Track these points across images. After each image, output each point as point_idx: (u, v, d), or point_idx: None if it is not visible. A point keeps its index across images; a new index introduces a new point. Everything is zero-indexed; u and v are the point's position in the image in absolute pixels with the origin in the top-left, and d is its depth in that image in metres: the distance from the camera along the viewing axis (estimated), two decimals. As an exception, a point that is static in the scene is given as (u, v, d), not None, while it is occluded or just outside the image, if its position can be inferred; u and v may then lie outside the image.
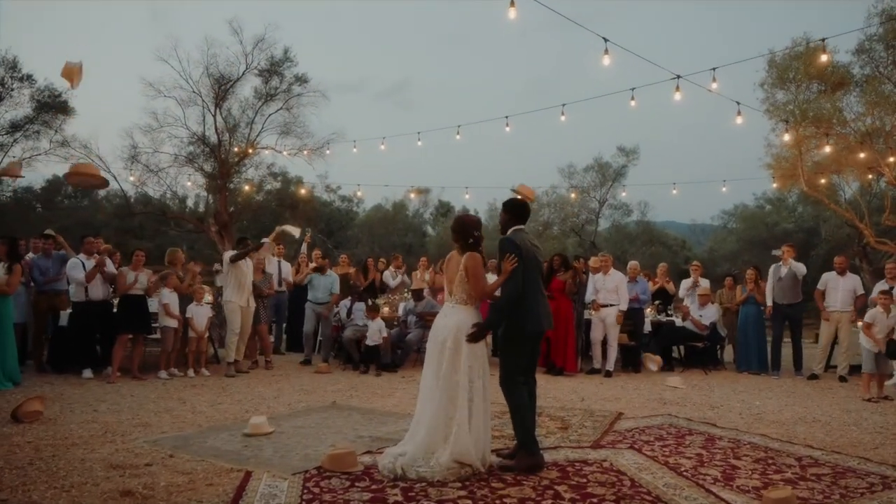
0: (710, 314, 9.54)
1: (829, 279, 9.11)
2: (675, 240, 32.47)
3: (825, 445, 4.99)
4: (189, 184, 17.68)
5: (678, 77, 9.40)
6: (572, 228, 23.32)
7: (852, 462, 4.50)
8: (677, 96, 9.63)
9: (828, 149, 10.83)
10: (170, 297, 7.92)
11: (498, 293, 4.40)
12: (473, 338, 4.08)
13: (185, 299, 8.21)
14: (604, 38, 7.25)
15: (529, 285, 4.21)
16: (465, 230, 4.36)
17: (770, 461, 4.48)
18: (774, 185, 14.54)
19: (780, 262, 9.28)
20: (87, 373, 7.59)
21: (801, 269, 9.11)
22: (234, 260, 8.11)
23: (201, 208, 21.67)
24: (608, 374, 8.79)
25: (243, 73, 16.98)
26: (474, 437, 3.99)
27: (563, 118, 10.62)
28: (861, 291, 9.01)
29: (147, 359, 8.25)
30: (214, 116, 17.17)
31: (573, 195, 23.28)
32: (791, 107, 11.52)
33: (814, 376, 8.91)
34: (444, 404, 4.01)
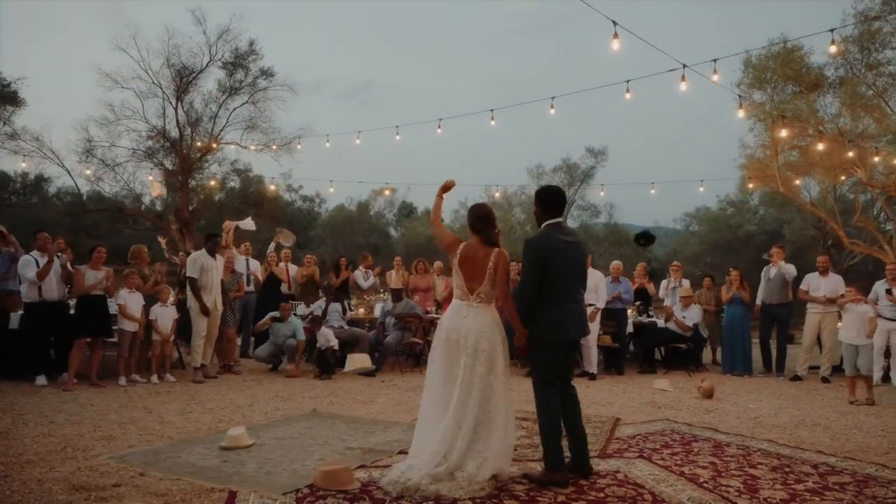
0: (693, 315, 9.39)
1: (811, 279, 9.05)
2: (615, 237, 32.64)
3: (835, 451, 4.80)
4: (150, 178, 16.91)
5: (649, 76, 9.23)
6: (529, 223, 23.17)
7: (870, 469, 4.30)
8: (643, 98, 9.62)
9: (807, 148, 10.85)
10: (127, 298, 7.36)
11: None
12: (521, 351, 3.98)
13: (149, 300, 7.67)
14: (613, 21, 6.87)
15: (551, 290, 3.85)
16: (490, 221, 4.03)
17: (787, 469, 4.25)
18: (750, 186, 14.58)
19: (770, 264, 9.21)
20: (41, 380, 7.00)
21: (790, 270, 9.04)
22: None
23: (158, 206, 20.85)
24: (592, 377, 8.54)
25: (207, 65, 16.32)
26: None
27: (550, 112, 10.33)
28: (842, 291, 8.94)
29: (106, 364, 7.67)
30: (176, 110, 16.47)
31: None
32: (768, 107, 11.50)
33: (797, 377, 8.81)
34: (476, 413, 3.69)
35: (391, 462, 4.15)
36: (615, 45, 7.76)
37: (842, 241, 14.33)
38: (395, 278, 11.15)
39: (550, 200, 4.08)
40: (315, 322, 8.27)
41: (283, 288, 10.28)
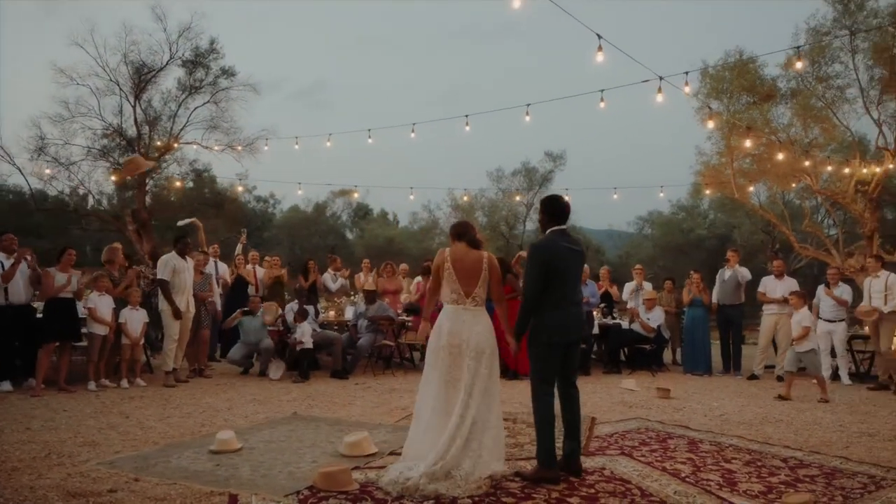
0: (656, 317, 9.70)
1: (767, 282, 9.47)
2: (589, 244, 33.30)
3: (800, 446, 5.08)
4: (112, 179, 16.41)
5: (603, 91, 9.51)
6: (500, 232, 23.45)
7: (835, 462, 4.57)
8: (602, 105, 9.93)
9: (760, 156, 11.32)
10: (97, 301, 7.22)
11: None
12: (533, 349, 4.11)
13: (119, 303, 7.53)
14: (599, 35, 7.01)
15: (555, 292, 4.01)
16: (468, 226, 4.25)
17: (759, 463, 4.49)
18: (707, 192, 15.09)
19: (725, 266, 9.61)
20: (6, 385, 6.82)
21: (745, 274, 9.46)
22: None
23: (104, 204, 20.24)
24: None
25: (167, 63, 15.98)
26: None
27: (525, 118, 10.50)
28: (797, 295, 9.38)
29: (73, 368, 7.50)
30: (134, 108, 16.06)
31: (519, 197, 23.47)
32: (725, 117, 11.95)
33: (754, 376, 9.21)
34: (475, 413, 3.82)
35: (384, 463, 4.23)
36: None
37: (791, 245, 14.97)
38: (363, 280, 11.19)
39: (555, 209, 4.26)
40: (302, 314, 8.27)
41: (251, 290, 10.21)
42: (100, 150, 17.06)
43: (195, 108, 16.55)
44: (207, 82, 17.00)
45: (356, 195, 27.65)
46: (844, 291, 9.05)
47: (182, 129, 16.47)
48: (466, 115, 10.60)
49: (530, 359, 4.22)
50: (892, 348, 8.20)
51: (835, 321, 8.91)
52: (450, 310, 4.13)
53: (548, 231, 4.22)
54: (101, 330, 7.17)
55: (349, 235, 37.36)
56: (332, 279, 10.90)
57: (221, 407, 6.28)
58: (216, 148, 16.18)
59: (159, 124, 16.52)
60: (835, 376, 8.99)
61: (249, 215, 27.39)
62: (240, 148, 15.80)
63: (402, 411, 6.24)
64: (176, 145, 16.36)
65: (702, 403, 7.06)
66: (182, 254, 7.70)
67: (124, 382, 7.34)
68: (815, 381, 7.64)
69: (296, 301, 8.93)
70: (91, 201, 17.13)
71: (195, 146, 16.58)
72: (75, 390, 6.94)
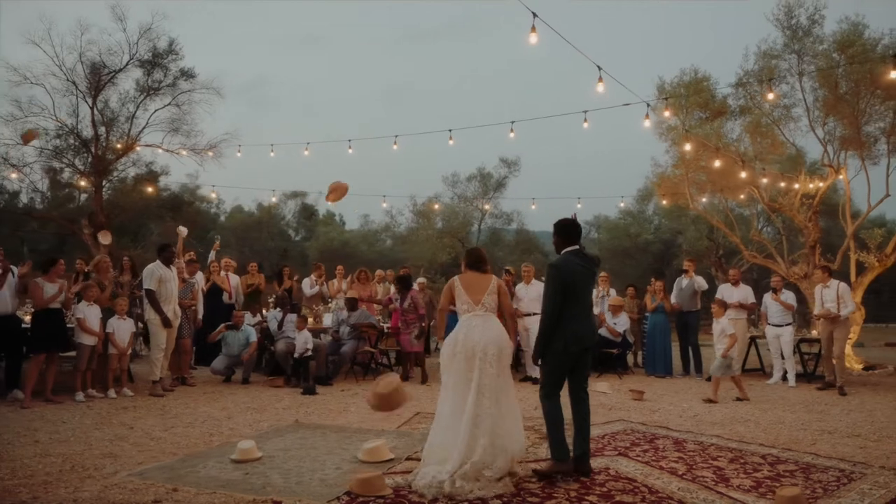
0: (622, 322, 10.22)
1: (724, 290, 10.10)
2: (538, 247, 34.12)
3: (773, 443, 5.57)
4: (81, 184, 15.91)
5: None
6: (456, 236, 23.80)
7: (807, 458, 5.06)
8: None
9: (712, 168, 11.99)
10: (86, 311, 7.19)
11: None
12: (534, 359, 4.53)
13: (105, 313, 7.50)
14: (533, 14, 7.11)
15: (572, 306, 4.38)
16: (483, 261, 4.67)
17: (742, 460, 4.93)
18: (664, 203, 15.80)
19: (684, 274, 10.22)
20: (-9, 397, 6.73)
21: (702, 283, 10.08)
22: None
23: (38, 202, 19.55)
24: (535, 381, 9.12)
25: (127, 64, 15.64)
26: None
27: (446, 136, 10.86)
28: (752, 300, 10.08)
29: (57, 378, 7.40)
30: (93, 109, 15.65)
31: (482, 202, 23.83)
32: (681, 130, 12.60)
33: (710, 378, 9.79)
34: (492, 413, 4.18)
35: (405, 468, 4.48)
36: (532, 39, 7.34)
37: (735, 251, 15.77)
38: (337, 287, 11.34)
39: (568, 231, 4.67)
40: (303, 321, 8.46)
41: (224, 297, 10.23)
42: (51, 151, 16.59)
43: (156, 111, 16.28)
44: (166, 84, 16.73)
45: (333, 204, 27.52)
46: (789, 297, 9.75)
47: (141, 132, 16.17)
48: (450, 130, 10.77)
49: (543, 364, 4.58)
50: (845, 352, 8.91)
51: (782, 325, 9.58)
52: (463, 319, 4.50)
53: (563, 251, 4.60)
54: (89, 340, 7.14)
55: (295, 237, 37.06)
56: (309, 285, 11.00)
57: (220, 416, 6.38)
58: (184, 152, 15.94)
59: (116, 125, 16.17)
60: (784, 377, 9.66)
61: (205, 218, 26.92)
62: (211, 153, 15.60)
63: (398, 418, 6.48)
64: (138, 147, 16.05)
65: (673, 405, 7.55)
66: (167, 263, 7.72)
67: (111, 392, 7.32)
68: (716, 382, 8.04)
69: (278, 309, 9.02)
70: (42, 203, 16.59)
71: (154, 149, 16.30)
72: (62, 401, 6.90)
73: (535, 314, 9.25)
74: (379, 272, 11.86)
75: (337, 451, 5.02)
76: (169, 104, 16.23)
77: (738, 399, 7.81)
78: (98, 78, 15.39)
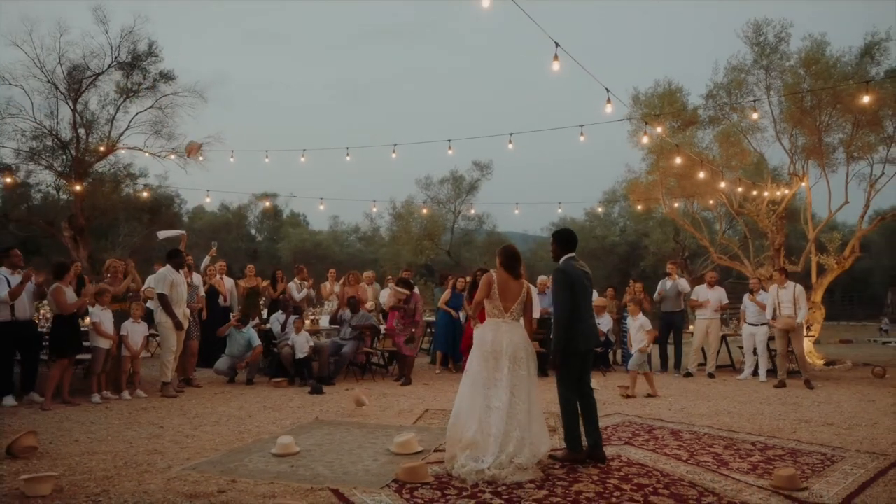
0: (605, 322, 10.77)
1: (700, 291, 10.75)
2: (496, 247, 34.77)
3: (759, 432, 6.12)
4: (67, 190, 15.74)
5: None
6: (430, 237, 24.20)
7: (791, 444, 5.62)
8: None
9: (682, 174, 12.68)
10: (101, 316, 7.38)
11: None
12: (554, 364, 4.94)
13: (119, 316, 7.69)
14: (556, 43, 7.54)
15: (576, 309, 4.84)
16: (517, 260, 4.95)
17: (736, 447, 5.46)
18: (639, 207, 16.48)
19: (667, 277, 10.82)
20: (9, 400, 6.87)
21: (684, 285, 10.71)
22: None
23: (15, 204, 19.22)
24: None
25: (109, 67, 15.60)
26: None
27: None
28: (726, 301, 10.75)
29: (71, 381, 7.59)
30: (74, 111, 15.57)
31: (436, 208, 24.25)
32: (658, 138, 13.26)
33: (689, 374, 10.43)
34: (524, 409, 4.59)
35: (435, 458, 4.87)
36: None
37: (699, 253, 16.61)
38: (329, 289, 11.65)
39: (567, 239, 5.14)
40: (300, 322, 8.78)
41: (220, 300, 10.44)
42: (27, 152, 16.43)
43: (137, 113, 16.26)
44: (146, 86, 16.72)
45: (270, 202, 27.64)
46: (766, 298, 10.43)
47: (122, 134, 16.13)
48: (449, 140, 11.19)
49: (561, 364, 5.03)
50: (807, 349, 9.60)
51: (757, 324, 10.26)
52: (491, 323, 4.90)
53: (563, 258, 5.06)
54: (104, 343, 7.34)
55: (258, 238, 37.02)
56: (296, 289, 11.27)
57: (241, 415, 6.66)
58: (172, 157, 15.96)
59: (97, 128, 16.10)
60: (754, 373, 10.33)
61: (211, 223, 26.72)
62: (202, 158, 15.63)
63: (410, 414, 6.86)
64: (123, 150, 16.01)
65: (660, 399, 8.09)
66: (178, 267, 7.94)
67: (125, 394, 7.52)
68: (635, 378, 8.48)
69: (281, 312, 9.29)
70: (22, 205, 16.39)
71: (132, 151, 16.27)
72: (79, 403, 7.09)
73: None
74: (367, 274, 12.20)
75: (367, 445, 5.38)
76: (151, 107, 16.24)
77: (649, 395, 8.20)
78: (80, 80, 15.32)
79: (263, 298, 11.32)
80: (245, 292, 10.65)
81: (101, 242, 18.77)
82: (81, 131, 15.87)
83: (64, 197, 16.63)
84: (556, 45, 7.33)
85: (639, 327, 8.65)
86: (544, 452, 4.69)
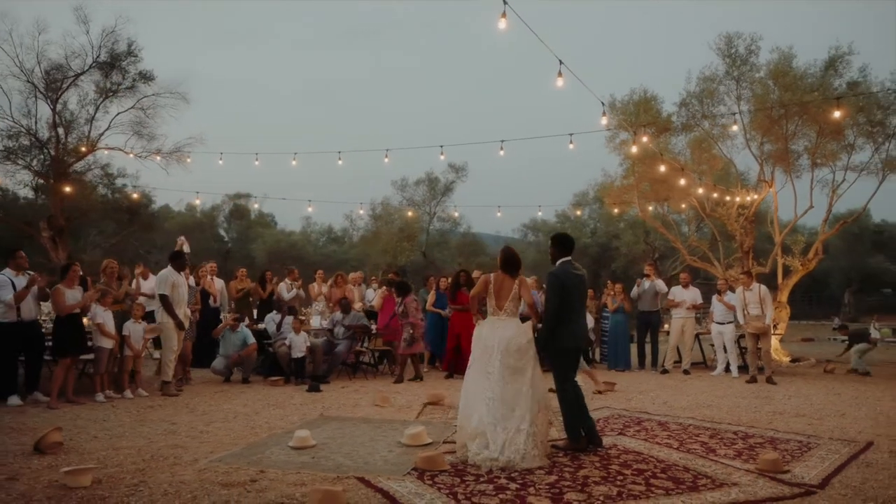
0: (587, 321, 11.19)
1: (676, 291, 11.27)
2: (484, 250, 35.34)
3: (738, 422, 6.57)
4: (46, 190, 15.55)
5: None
6: (409, 239, 24.49)
7: (770, 433, 6.07)
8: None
9: (656, 179, 13.22)
10: (104, 316, 7.52)
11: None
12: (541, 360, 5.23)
13: (119, 317, 7.83)
14: (560, 61, 7.89)
15: (569, 309, 5.23)
16: (514, 262, 5.31)
17: (720, 437, 5.89)
18: (615, 211, 17.01)
19: (645, 278, 11.32)
20: (14, 399, 6.97)
21: (661, 286, 11.23)
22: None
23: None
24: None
25: (90, 67, 15.51)
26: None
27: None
28: (700, 301, 11.28)
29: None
30: (54, 110, 15.44)
31: (410, 211, 24.52)
32: (634, 144, 13.78)
33: (665, 371, 10.93)
34: (529, 397, 4.91)
35: (446, 449, 5.18)
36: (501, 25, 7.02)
37: (669, 254, 17.24)
38: (317, 290, 11.87)
39: (564, 243, 5.54)
40: (298, 323, 8.98)
41: (210, 301, 10.59)
42: (2, 152, 16.24)
43: (118, 113, 16.19)
44: (125, 86, 16.66)
45: (244, 202, 27.63)
46: (732, 299, 10.98)
47: (102, 135, 16.06)
48: (442, 147, 11.48)
49: (554, 360, 5.40)
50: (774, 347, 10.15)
51: (724, 323, 10.80)
52: (488, 320, 5.31)
53: (559, 262, 5.44)
54: (107, 343, 7.48)
55: (225, 239, 36.83)
56: (286, 289, 11.47)
57: (247, 412, 6.88)
58: (157, 158, 15.92)
59: (76, 128, 16.00)
60: (727, 369, 10.87)
61: (163, 222, 26.52)
62: (188, 161, 15.65)
63: (409, 409, 7.16)
64: (107, 151, 15.91)
65: (643, 394, 8.54)
66: (179, 269, 8.11)
67: (127, 393, 7.66)
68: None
69: (276, 312, 9.50)
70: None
71: (114, 151, 16.20)
72: (84, 401, 7.22)
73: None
74: (353, 275, 12.46)
75: (378, 438, 5.67)
76: (133, 107, 16.19)
77: (597, 392, 8.50)
78: (60, 80, 15.22)
79: (251, 298, 11.49)
80: (239, 294, 10.80)
81: (80, 243, 18.60)
82: (60, 131, 15.76)
83: (40, 197, 16.45)
84: (560, 62, 7.69)
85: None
86: (543, 441, 5.02)
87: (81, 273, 8.09)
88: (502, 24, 6.92)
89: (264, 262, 25.11)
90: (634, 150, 12.57)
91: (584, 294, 5.63)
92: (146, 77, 17.07)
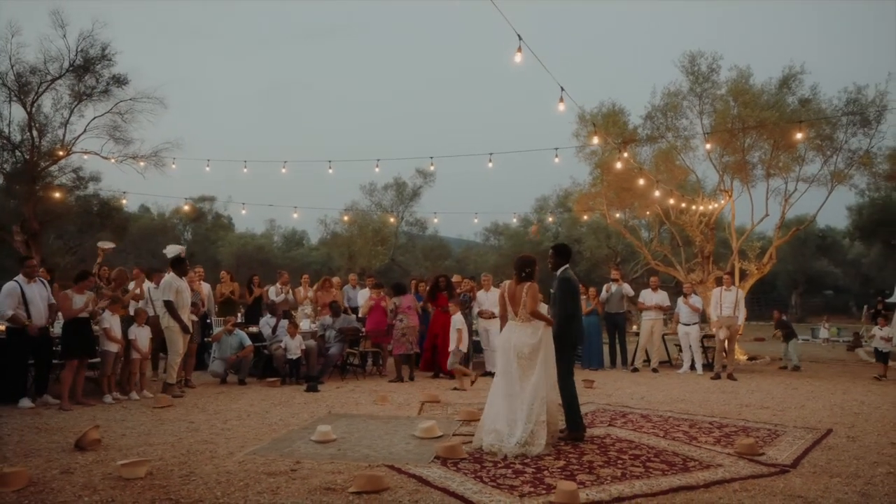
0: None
1: (645, 294, 11.99)
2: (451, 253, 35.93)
3: (712, 414, 7.24)
4: (17, 193, 15.39)
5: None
6: (382, 242, 24.85)
7: (741, 423, 6.74)
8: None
9: (622, 187, 14.02)
10: (111, 321, 7.77)
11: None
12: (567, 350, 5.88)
13: (125, 320, 8.08)
14: (561, 87, 8.44)
15: (577, 308, 5.80)
16: (523, 269, 5.81)
17: (698, 427, 6.52)
18: (585, 218, 17.75)
19: (612, 281, 12.02)
20: (26, 402, 7.17)
21: (628, 290, 11.96)
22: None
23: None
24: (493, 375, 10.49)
25: (66, 72, 15.45)
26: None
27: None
28: (668, 304, 12.04)
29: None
30: (29, 113, 15.32)
31: (391, 217, 24.93)
32: (600, 155, 14.53)
33: (636, 369, 11.63)
34: (532, 394, 5.42)
35: (459, 440, 5.67)
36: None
37: (633, 258, 18.09)
38: (302, 295, 12.21)
39: (566, 253, 6.19)
40: (293, 327, 9.32)
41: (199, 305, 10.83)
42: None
43: (95, 117, 16.15)
44: (99, 90, 16.63)
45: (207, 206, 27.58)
46: (697, 301, 11.78)
47: (78, 138, 16.00)
48: (431, 155, 11.90)
49: (561, 355, 5.96)
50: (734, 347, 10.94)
51: (690, 324, 11.58)
52: (508, 325, 5.81)
53: (564, 268, 6.03)
54: (114, 347, 7.72)
55: (183, 241, 36.50)
56: (276, 292, 11.77)
57: (257, 411, 7.23)
58: (142, 163, 15.91)
59: (50, 131, 15.91)
60: (692, 367, 11.64)
61: (147, 227, 26.20)
62: (173, 166, 15.69)
63: (408, 406, 7.62)
64: (85, 156, 15.85)
65: (619, 390, 9.17)
66: (182, 274, 8.40)
67: (133, 395, 7.91)
68: None
69: (270, 315, 9.82)
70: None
71: (88, 156, 16.15)
72: (94, 403, 7.46)
73: (495, 317, 10.66)
74: (336, 279, 12.82)
75: (392, 432, 6.12)
76: (109, 111, 16.18)
77: (455, 389, 8.95)
78: (37, 83, 15.15)
79: (237, 302, 11.76)
80: (222, 297, 11.06)
81: (52, 247, 18.41)
82: (34, 133, 15.66)
83: (11, 201, 16.25)
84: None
85: (456, 326, 9.43)
86: (553, 432, 5.58)
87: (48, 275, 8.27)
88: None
89: (232, 265, 25.11)
90: (623, 161, 13.22)
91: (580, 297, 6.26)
92: (120, 81, 17.06)
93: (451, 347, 9.53)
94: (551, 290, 6.10)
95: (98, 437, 5.37)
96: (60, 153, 15.73)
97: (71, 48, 15.58)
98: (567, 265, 6.09)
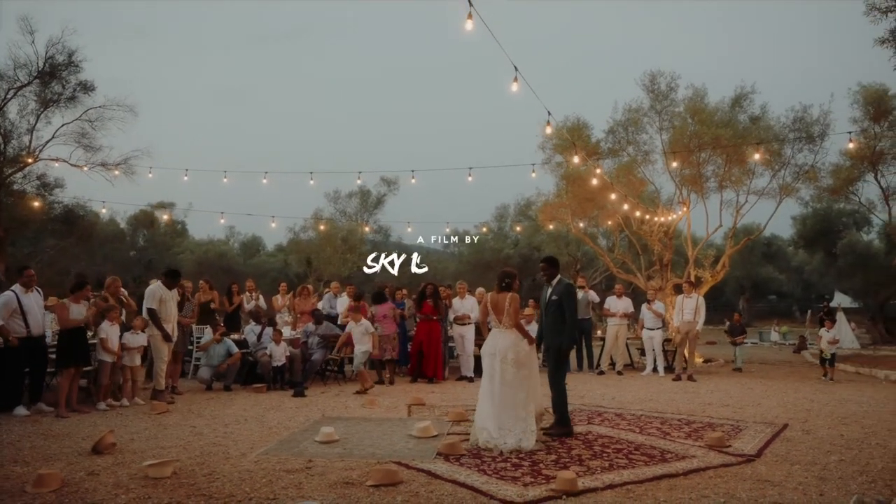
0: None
1: (610, 302, 12.64)
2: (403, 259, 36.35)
3: (679, 412, 7.84)
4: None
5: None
6: (351, 250, 25.06)
7: (706, 419, 7.35)
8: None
9: (586, 197, 14.71)
10: (109, 331, 7.92)
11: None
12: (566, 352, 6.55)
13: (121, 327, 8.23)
14: (548, 112, 9.09)
15: (574, 313, 6.34)
16: (503, 278, 6.32)
17: (669, 424, 7.10)
18: (551, 227, 18.38)
19: (580, 289, 12.62)
20: (21, 410, 7.29)
21: (594, 296, 12.60)
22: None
23: None
24: (470, 380, 10.95)
25: (34, 79, 15.30)
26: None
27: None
28: (632, 310, 12.70)
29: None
30: (-1, 118, 15.14)
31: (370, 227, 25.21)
32: (565, 167, 15.18)
33: (601, 372, 12.24)
34: (516, 398, 5.90)
35: (457, 439, 6.09)
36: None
37: (592, 265, 18.87)
38: (281, 302, 12.46)
39: (557, 262, 6.75)
40: (278, 334, 9.61)
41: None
42: (-69, 160, 15.73)
43: (63, 125, 16.01)
44: (66, 96, 16.50)
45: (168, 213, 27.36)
46: (660, 307, 12.49)
47: (45, 144, 15.82)
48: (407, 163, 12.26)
49: (559, 357, 6.48)
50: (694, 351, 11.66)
51: (654, 329, 12.27)
52: (492, 332, 6.27)
53: (558, 278, 6.56)
54: (110, 357, 7.88)
55: (137, 248, 35.95)
56: (247, 300, 11.99)
57: (252, 415, 7.50)
58: (116, 172, 15.81)
59: (15, 137, 15.69)
60: (654, 369, 12.31)
61: (101, 233, 25.74)
62: (150, 174, 15.61)
63: (396, 409, 8.00)
64: (57, 164, 15.67)
65: (592, 391, 9.73)
66: (169, 286, 8.60)
67: (125, 401, 8.08)
68: None
69: (255, 323, 10.06)
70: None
71: (57, 162, 16.00)
72: (88, 411, 7.61)
73: (468, 323, 11.13)
74: (334, 284, 13.11)
75: (389, 433, 6.50)
76: (78, 118, 16.06)
77: (359, 392, 9.22)
78: (5, 90, 14.98)
79: (215, 310, 11.92)
80: (200, 304, 11.22)
81: (16, 255, 18.05)
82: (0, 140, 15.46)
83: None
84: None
85: (363, 331, 9.84)
86: (534, 430, 6.01)
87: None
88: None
89: (196, 273, 24.91)
90: (600, 176, 13.80)
91: None
92: (86, 87, 16.96)
93: (358, 350, 9.74)
94: (549, 298, 6.61)
95: (114, 441, 5.61)
96: (29, 160, 15.55)
97: (40, 54, 15.45)
98: (559, 274, 6.63)
